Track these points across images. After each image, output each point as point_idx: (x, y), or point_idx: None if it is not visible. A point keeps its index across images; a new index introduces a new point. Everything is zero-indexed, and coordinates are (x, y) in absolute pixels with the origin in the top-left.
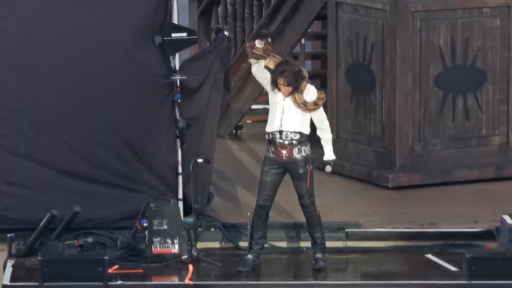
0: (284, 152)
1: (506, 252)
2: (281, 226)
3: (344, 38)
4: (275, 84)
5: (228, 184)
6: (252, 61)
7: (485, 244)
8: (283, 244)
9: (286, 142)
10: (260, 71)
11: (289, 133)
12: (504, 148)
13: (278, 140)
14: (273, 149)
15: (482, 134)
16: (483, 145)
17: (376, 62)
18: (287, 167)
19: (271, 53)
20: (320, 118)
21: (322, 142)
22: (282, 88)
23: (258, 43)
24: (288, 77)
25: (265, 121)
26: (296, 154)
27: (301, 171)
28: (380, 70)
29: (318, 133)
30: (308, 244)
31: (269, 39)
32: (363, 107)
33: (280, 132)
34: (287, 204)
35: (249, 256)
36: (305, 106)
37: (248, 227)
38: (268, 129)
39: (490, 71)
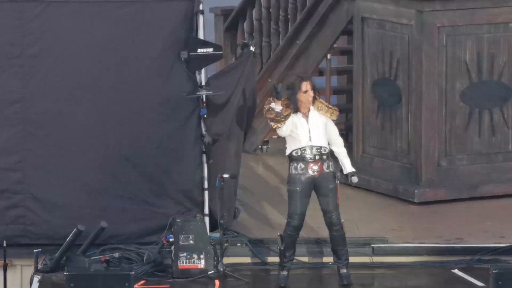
0: (315, 167)
1: None
2: (305, 242)
3: (370, 53)
4: (294, 101)
5: (254, 199)
6: (272, 124)
7: (511, 259)
8: (307, 259)
9: (317, 157)
10: (288, 132)
11: (318, 147)
12: None
13: (309, 156)
14: (302, 166)
15: (509, 149)
16: (510, 160)
17: (402, 77)
18: (317, 183)
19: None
20: (336, 132)
21: (341, 156)
22: (309, 93)
23: (276, 105)
24: (311, 80)
25: None
26: (325, 169)
27: (331, 186)
28: (406, 85)
29: (335, 148)
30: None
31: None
32: (389, 122)
33: (311, 147)
34: (311, 219)
35: (284, 272)
36: (333, 108)
37: (279, 247)
38: (296, 146)
39: None
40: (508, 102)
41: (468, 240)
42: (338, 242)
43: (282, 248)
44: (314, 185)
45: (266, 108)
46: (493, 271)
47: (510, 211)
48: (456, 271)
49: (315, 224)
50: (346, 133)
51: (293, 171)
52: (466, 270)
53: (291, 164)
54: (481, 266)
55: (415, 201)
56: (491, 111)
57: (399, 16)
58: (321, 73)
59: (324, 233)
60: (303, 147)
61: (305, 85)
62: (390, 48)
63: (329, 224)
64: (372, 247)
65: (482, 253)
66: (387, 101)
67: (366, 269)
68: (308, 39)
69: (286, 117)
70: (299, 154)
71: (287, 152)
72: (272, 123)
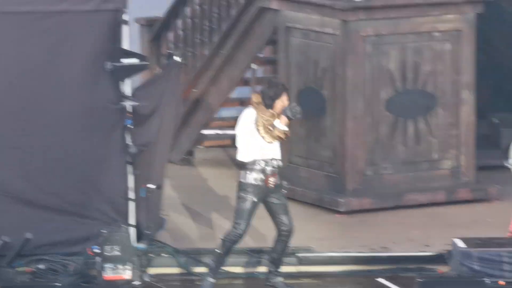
0: (272, 179)
1: (457, 276)
2: (237, 252)
3: (295, 63)
4: (271, 106)
5: (180, 209)
6: (267, 139)
7: (436, 268)
8: (237, 269)
9: (275, 170)
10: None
11: (277, 160)
12: (455, 172)
13: (269, 168)
14: (262, 177)
15: (433, 158)
16: (434, 168)
17: (327, 87)
18: (269, 194)
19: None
20: None
21: None
22: (285, 104)
23: (281, 124)
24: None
25: (217, 146)
26: (278, 181)
27: (283, 193)
28: (331, 95)
29: None
30: (261, 269)
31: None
32: (315, 132)
33: (272, 159)
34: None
35: (212, 280)
36: None
37: (220, 251)
38: (260, 156)
39: (441, 95)
40: (432, 111)
41: (393, 248)
42: (283, 250)
43: (221, 253)
44: (266, 195)
45: (272, 126)
46: (418, 280)
47: (434, 220)
48: (381, 280)
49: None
50: None
51: (252, 181)
52: (391, 278)
53: (248, 172)
54: (407, 275)
55: (341, 210)
56: (416, 120)
57: (324, 26)
58: (246, 83)
59: (255, 244)
60: (266, 159)
61: (286, 96)
62: (314, 57)
63: (288, 230)
64: (298, 257)
65: (407, 261)
66: (312, 111)
67: (292, 279)
68: (233, 49)
69: (284, 139)
70: (261, 165)
71: (248, 158)
72: (266, 135)
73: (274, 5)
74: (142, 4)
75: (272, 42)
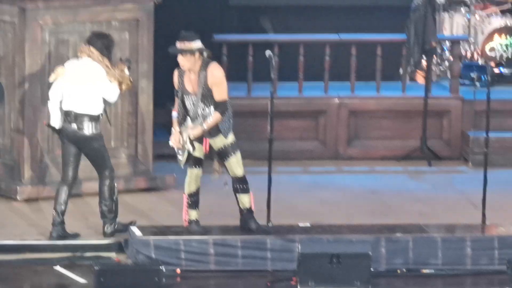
0: None
1: (134, 264)
2: None
3: None
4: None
5: None
6: (123, 90)
7: (114, 256)
8: None
9: None
10: None
11: None
12: (132, 161)
13: None
14: None
15: (111, 146)
16: (112, 157)
17: (6, 75)
18: None
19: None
20: None
21: None
22: None
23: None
24: None
25: None
26: None
27: None
28: (10, 83)
29: None
30: None
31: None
32: None
33: None
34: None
35: None
36: None
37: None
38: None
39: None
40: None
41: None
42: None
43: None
44: None
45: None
46: (95, 268)
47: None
48: (59, 268)
49: None
50: None
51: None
52: (69, 267)
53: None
54: (84, 263)
55: (18, 198)
56: None
57: (2, 13)
58: None
59: None
60: None
61: None
62: None
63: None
64: None
65: (84, 250)
66: None
67: None
68: None
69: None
70: None
71: (100, 111)
72: (122, 85)
73: None
74: None
75: None
